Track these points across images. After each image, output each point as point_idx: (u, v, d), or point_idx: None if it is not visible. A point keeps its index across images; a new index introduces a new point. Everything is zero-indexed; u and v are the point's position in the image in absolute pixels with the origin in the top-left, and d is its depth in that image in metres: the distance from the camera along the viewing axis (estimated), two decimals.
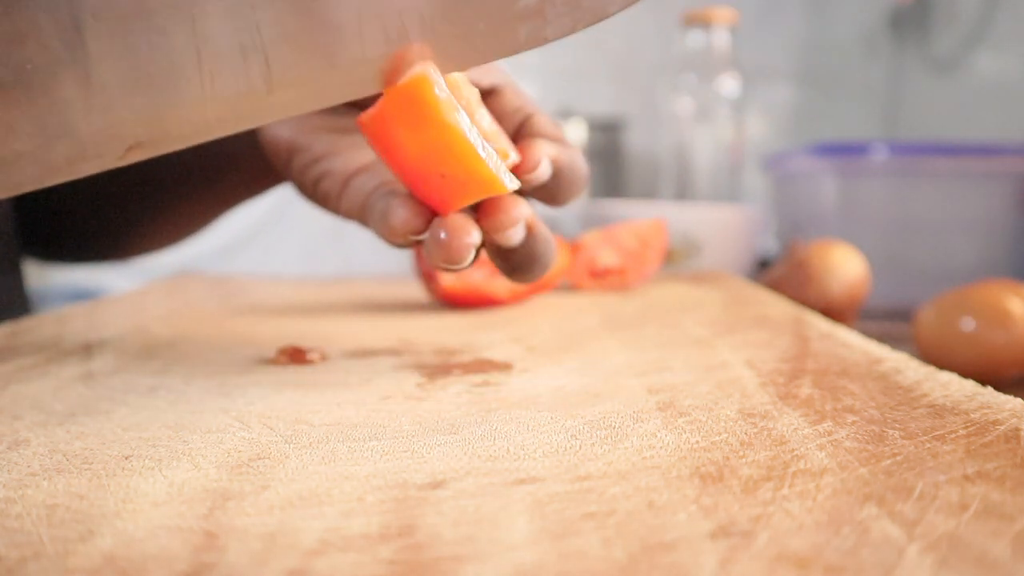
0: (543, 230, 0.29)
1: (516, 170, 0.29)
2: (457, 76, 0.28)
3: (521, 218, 0.28)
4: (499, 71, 0.33)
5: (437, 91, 0.23)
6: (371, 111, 0.25)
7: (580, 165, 0.30)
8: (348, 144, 0.36)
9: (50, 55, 0.22)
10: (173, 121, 0.24)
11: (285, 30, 0.23)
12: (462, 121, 0.24)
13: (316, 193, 0.36)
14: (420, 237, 0.28)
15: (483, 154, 0.24)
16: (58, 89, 0.23)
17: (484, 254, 0.29)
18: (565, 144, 0.31)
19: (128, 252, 0.56)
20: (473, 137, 0.24)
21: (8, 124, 0.23)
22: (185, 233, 0.53)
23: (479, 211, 0.28)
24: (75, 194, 0.48)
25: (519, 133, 0.31)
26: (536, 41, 0.24)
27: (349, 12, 0.23)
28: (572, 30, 0.24)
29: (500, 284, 0.47)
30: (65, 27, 0.22)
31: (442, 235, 0.27)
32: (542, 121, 0.32)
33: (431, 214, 0.27)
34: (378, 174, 0.33)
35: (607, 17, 0.24)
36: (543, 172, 0.29)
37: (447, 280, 0.46)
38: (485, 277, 0.47)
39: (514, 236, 0.28)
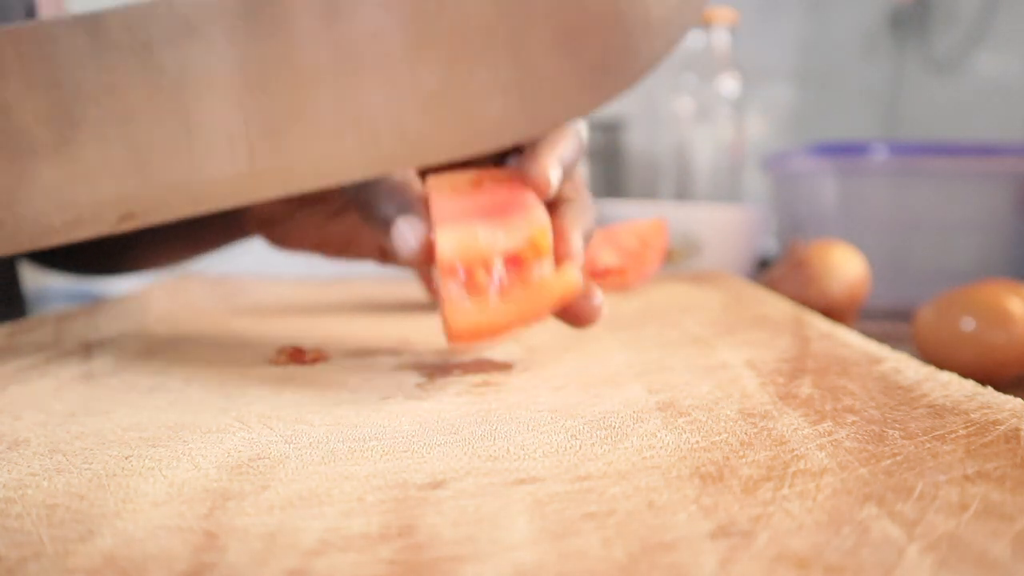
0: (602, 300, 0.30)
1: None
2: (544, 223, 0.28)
3: (599, 311, 0.30)
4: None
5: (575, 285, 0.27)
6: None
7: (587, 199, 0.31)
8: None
9: (45, 133, 0.25)
10: (164, 197, 0.26)
11: (269, 124, 0.26)
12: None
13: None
14: None
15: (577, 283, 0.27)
16: (54, 163, 0.25)
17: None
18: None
19: (121, 270, 0.56)
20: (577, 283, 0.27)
21: (11, 190, 0.26)
22: (180, 261, 0.53)
23: (564, 311, 0.30)
24: None
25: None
26: (498, 144, 0.27)
27: (327, 113, 0.26)
28: (530, 135, 0.28)
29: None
30: (60, 108, 0.25)
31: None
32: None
33: None
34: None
35: (560, 124, 0.28)
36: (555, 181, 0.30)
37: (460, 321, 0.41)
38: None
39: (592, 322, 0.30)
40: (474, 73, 0.26)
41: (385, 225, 0.30)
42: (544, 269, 0.27)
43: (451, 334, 0.26)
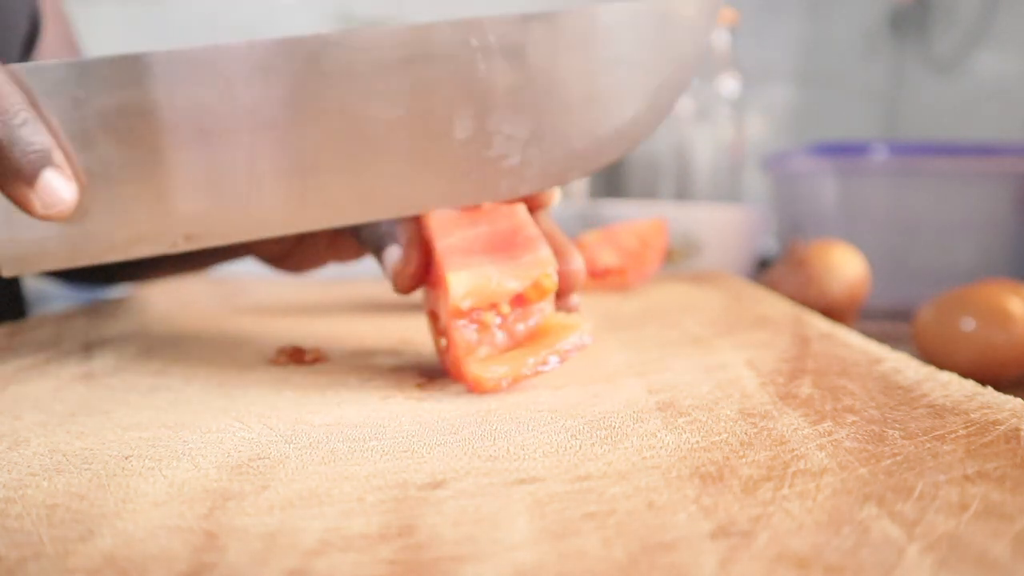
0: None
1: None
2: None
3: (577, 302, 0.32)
4: None
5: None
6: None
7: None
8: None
9: (123, 154, 0.27)
10: (221, 222, 0.29)
11: (322, 161, 0.29)
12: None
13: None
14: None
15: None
16: (127, 186, 0.28)
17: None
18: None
19: (116, 282, 0.56)
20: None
21: (83, 207, 0.27)
22: (181, 273, 0.53)
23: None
24: None
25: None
26: (514, 193, 0.30)
27: (373, 161, 0.29)
28: (543, 187, 0.31)
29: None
30: (140, 133, 0.27)
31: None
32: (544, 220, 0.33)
33: None
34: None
35: (568, 182, 0.31)
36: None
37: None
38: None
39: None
40: (497, 130, 0.30)
41: (378, 249, 0.31)
42: (545, 308, 0.29)
43: (470, 385, 0.27)
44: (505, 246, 0.29)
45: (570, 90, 0.30)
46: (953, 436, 0.20)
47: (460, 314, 0.27)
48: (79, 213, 0.27)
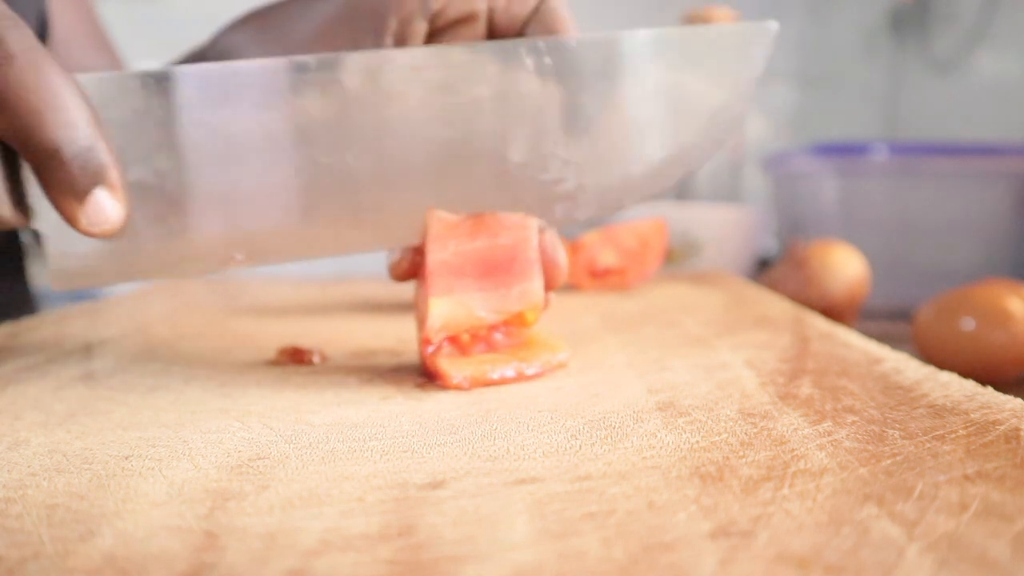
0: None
1: None
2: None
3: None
4: None
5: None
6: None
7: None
8: None
9: (180, 189, 0.28)
10: (266, 243, 0.30)
11: (375, 181, 0.29)
12: None
13: None
14: None
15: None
16: (180, 208, 0.29)
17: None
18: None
19: None
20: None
21: (135, 225, 0.28)
22: None
23: None
24: None
25: None
26: (570, 218, 0.31)
27: (424, 183, 0.30)
28: (598, 214, 0.31)
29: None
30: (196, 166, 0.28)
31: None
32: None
33: None
34: None
35: (624, 209, 0.32)
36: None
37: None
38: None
39: None
40: (552, 151, 0.30)
41: None
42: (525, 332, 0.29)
43: (438, 377, 0.28)
44: (499, 270, 0.28)
45: (624, 116, 0.30)
46: (953, 436, 0.20)
47: (436, 338, 0.28)
48: (121, 232, 0.27)
